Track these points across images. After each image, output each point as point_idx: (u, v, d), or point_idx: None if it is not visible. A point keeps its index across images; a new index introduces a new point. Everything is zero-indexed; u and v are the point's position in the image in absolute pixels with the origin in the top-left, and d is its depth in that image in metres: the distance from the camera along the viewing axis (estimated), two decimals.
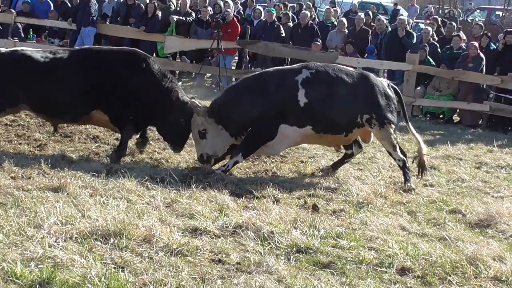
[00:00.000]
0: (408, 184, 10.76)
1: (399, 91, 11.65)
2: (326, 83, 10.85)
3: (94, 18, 21.15)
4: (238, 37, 20.80)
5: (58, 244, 6.59)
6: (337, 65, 11.56)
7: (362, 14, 23.14)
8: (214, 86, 20.98)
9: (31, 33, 21.79)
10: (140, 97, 10.74)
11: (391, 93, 11.20)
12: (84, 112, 10.80)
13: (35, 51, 11.11)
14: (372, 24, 22.06)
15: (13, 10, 21.70)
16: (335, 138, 11.14)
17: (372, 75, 11.42)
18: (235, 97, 10.97)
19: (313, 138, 11.12)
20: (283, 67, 11.92)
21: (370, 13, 25.54)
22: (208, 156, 10.78)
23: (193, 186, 9.43)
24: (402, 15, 27.08)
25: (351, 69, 11.57)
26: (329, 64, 11.49)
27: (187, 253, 6.81)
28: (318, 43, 20.53)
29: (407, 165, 11.00)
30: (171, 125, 10.92)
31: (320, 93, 10.75)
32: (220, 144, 10.93)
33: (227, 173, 10.51)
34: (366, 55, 20.77)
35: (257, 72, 12.04)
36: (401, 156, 11.09)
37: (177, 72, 21.78)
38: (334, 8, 25.69)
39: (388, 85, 11.37)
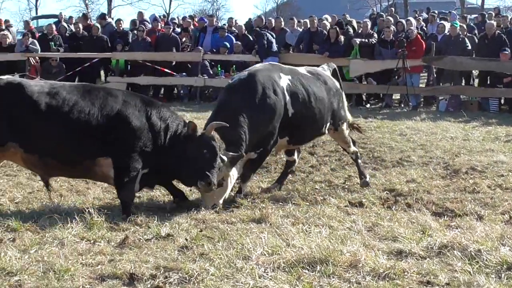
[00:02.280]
0: (365, 180, 10.85)
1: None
2: (304, 91, 10.33)
3: (272, 49, 21.47)
4: (423, 54, 20.57)
5: (267, 274, 6.71)
6: (293, 67, 10.92)
7: None
8: (402, 106, 20.82)
9: (219, 69, 22.45)
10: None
11: (337, 83, 11.10)
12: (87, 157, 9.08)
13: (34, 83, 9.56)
14: None
15: (200, 48, 22.43)
16: (294, 147, 11.07)
17: (323, 73, 10.99)
18: (246, 118, 9.61)
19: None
20: (257, 68, 10.38)
21: None
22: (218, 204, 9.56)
23: (392, 209, 9.40)
24: None
25: (311, 69, 11.03)
26: (291, 66, 10.98)
27: (394, 276, 6.75)
28: (507, 52, 19.91)
29: (359, 156, 11.24)
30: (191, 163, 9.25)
31: (300, 102, 10.21)
32: (231, 185, 9.91)
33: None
34: None
35: (237, 80, 10.19)
36: (355, 149, 11.16)
37: (364, 94, 21.85)
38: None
39: (334, 71, 11.39)
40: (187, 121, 9.46)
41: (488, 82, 20.63)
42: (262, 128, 9.81)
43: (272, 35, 21.92)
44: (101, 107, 8.99)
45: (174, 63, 22.73)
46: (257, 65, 10.61)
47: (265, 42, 21.48)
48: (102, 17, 25.47)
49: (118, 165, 9.00)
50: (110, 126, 8.94)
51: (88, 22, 24.87)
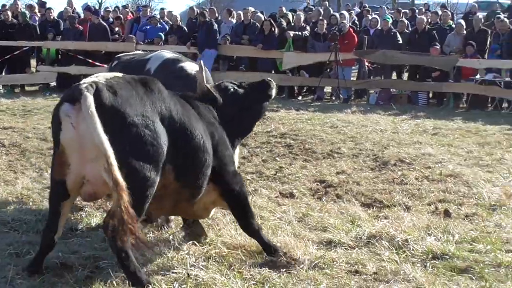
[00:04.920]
0: None
1: None
2: None
3: (215, 40, 21.57)
4: (355, 48, 20.84)
5: (198, 264, 6.76)
6: None
7: (480, 15, 22.78)
8: (334, 98, 21.08)
9: None
10: None
11: None
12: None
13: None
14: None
15: (133, 36, 22.31)
16: None
17: None
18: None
19: None
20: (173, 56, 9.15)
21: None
22: None
23: (323, 200, 9.53)
24: None
25: None
26: None
27: (324, 265, 6.85)
28: (437, 47, 20.34)
29: None
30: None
31: None
32: None
33: None
34: (487, 55, 20.48)
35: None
36: None
37: (296, 87, 22.01)
38: (445, 11, 24.96)
39: None
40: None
41: (417, 76, 21.00)
42: None
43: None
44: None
45: (103, 53, 22.52)
46: (163, 53, 9.27)
47: (217, 35, 21.57)
48: (41, 5, 25.01)
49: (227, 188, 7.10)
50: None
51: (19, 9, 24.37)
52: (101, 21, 23.19)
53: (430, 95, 20.99)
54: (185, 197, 6.82)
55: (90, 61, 21.80)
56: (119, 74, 6.40)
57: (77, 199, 8.13)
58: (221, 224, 8.09)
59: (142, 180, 6.00)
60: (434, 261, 7.13)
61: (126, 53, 10.49)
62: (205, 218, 7.63)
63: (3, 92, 21.25)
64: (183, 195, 6.76)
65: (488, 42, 20.74)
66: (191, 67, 8.51)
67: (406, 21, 22.44)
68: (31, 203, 8.82)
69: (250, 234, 7.16)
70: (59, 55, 22.88)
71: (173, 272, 6.53)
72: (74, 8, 25.44)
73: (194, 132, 6.55)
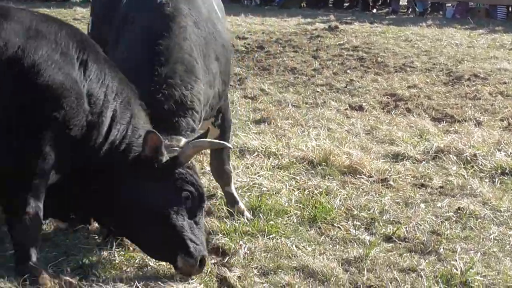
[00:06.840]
0: None
1: None
2: None
3: None
4: None
5: (264, 173, 6.77)
6: None
7: None
8: (409, 11, 20.70)
9: None
10: None
11: None
12: None
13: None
14: None
15: None
16: None
17: None
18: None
19: None
20: None
21: None
22: None
23: (392, 113, 9.42)
24: None
25: None
26: None
27: (389, 179, 6.82)
28: None
29: None
30: None
31: None
32: None
33: None
34: None
35: None
36: None
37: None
38: None
39: None
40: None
41: None
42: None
43: None
44: None
45: None
46: None
47: None
48: None
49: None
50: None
51: None
52: None
53: (510, 9, 20.39)
54: None
55: None
56: None
57: None
58: (288, 134, 8.09)
59: None
60: (503, 177, 7.03)
61: None
62: None
63: None
64: None
65: None
66: None
67: None
68: None
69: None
70: None
71: (238, 181, 6.55)
72: None
73: None
